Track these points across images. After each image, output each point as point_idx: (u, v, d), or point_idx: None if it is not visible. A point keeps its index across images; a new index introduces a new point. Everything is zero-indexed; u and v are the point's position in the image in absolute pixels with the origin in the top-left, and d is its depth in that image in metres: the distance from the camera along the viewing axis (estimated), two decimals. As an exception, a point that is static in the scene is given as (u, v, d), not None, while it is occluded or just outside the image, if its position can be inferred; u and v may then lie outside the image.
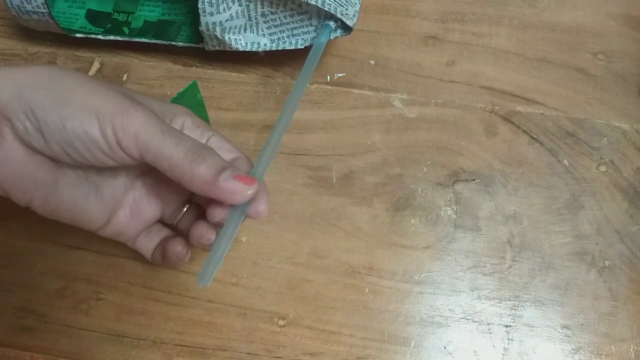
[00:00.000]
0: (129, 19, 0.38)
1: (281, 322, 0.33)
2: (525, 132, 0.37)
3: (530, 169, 0.36)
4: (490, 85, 0.38)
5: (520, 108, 0.37)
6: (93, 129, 0.23)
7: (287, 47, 0.35)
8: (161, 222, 0.31)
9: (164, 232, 0.30)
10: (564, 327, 0.33)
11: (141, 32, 0.37)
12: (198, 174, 0.24)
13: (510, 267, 0.34)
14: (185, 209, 0.30)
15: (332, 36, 0.34)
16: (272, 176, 0.36)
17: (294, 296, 0.34)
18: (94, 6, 0.38)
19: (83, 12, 0.38)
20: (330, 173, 0.36)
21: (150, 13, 0.38)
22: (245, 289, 0.34)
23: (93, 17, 0.38)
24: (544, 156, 0.36)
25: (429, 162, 0.36)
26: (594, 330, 0.33)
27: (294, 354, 0.33)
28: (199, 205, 0.30)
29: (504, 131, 0.37)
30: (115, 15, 0.38)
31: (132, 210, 0.28)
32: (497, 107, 0.37)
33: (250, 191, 0.25)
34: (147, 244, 0.30)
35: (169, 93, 0.37)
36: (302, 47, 0.35)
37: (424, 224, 0.35)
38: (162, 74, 0.38)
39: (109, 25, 0.38)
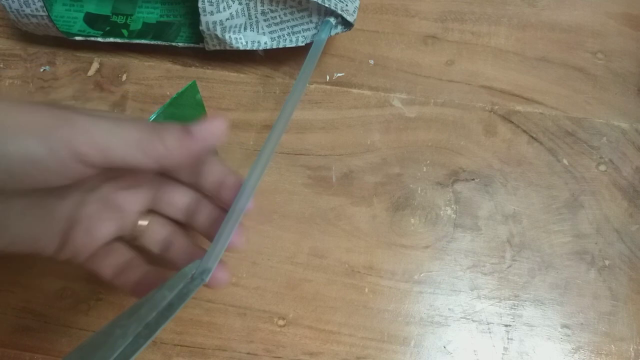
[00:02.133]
0: (128, 21, 0.38)
1: (281, 322, 0.33)
2: (524, 131, 0.37)
3: (529, 168, 0.36)
4: (489, 85, 0.38)
5: (519, 107, 0.37)
6: (38, 148, 0.21)
7: (288, 44, 0.35)
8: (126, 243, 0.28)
9: (129, 254, 0.27)
10: (564, 326, 0.33)
11: (140, 34, 0.37)
12: (172, 138, 0.22)
13: (510, 266, 0.34)
14: (146, 224, 0.27)
15: (333, 32, 0.34)
16: (272, 176, 0.36)
17: (294, 296, 0.34)
18: (92, 9, 0.38)
19: (81, 15, 0.38)
20: (329, 173, 0.36)
21: (149, 15, 0.38)
22: (245, 288, 0.34)
23: (91, 20, 0.38)
24: (543, 155, 0.36)
25: (428, 161, 0.36)
26: (593, 330, 0.33)
27: (293, 354, 0.33)
28: (164, 217, 0.28)
29: (503, 131, 0.37)
30: (114, 18, 0.38)
31: (87, 227, 0.26)
32: (497, 107, 0.37)
33: (222, 124, 0.23)
34: (106, 266, 0.26)
35: (168, 93, 0.37)
36: (303, 44, 0.35)
37: (423, 223, 0.35)
38: (161, 74, 0.38)
39: (107, 28, 0.38)
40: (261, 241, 0.35)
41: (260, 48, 0.35)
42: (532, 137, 0.37)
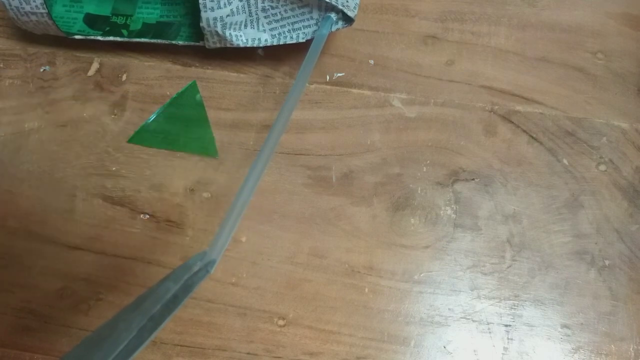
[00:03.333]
0: (128, 22, 0.38)
1: (281, 322, 0.33)
2: (524, 131, 0.37)
3: (529, 168, 0.36)
4: (489, 85, 0.38)
5: (519, 107, 0.37)
6: None
7: (288, 41, 0.35)
8: None
9: None
10: (564, 326, 0.33)
11: (140, 34, 0.37)
12: None
13: (510, 266, 0.34)
14: None
15: (334, 28, 0.34)
16: (272, 176, 0.36)
17: (294, 296, 0.34)
18: (92, 10, 0.38)
19: (81, 16, 0.38)
20: (329, 173, 0.36)
21: (149, 15, 0.38)
22: (245, 288, 0.34)
23: (91, 20, 0.38)
24: (543, 155, 0.36)
25: (428, 161, 0.36)
26: (593, 330, 0.33)
27: (293, 354, 0.33)
28: None
29: (503, 130, 0.37)
30: (114, 19, 0.38)
31: None
32: (497, 107, 0.37)
33: None
34: None
35: (168, 93, 0.37)
36: (304, 40, 0.35)
37: (423, 223, 0.35)
38: (161, 74, 0.38)
39: (107, 28, 0.38)
40: (261, 241, 0.35)
41: (261, 45, 0.35)
42: (532, 137, 0.37)
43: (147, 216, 0.35)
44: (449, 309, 0.33)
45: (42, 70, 0.38)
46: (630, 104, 0.38)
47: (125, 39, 0.37)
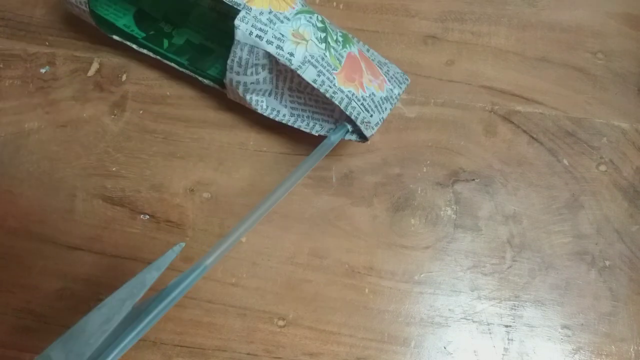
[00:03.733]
0: (173, 33, 0.37)
1: (281, 323, 0.33)
2: (524, 131, 0.37)
3: (530, 168, 0.36)
4: (489, 85, 0.38)
5: (519, 107, 0.37)
6: None
7: (304, 128, 0.34)
8: None
9: None
10: (564, 327, 0.33)
11: (179, 50, 0.37)
12: None
13: (510, 267, 0.34)
14: None
15: (347, 138, 0.33)
16: (272, 176, 0.36)
17: (294, 296, 0.34)
18: (146, 7, 0.38)
19: (133, 9, 0.38)
20: (329, 173, 0.36)
21: (195, 34, 0.38)
22: (245, 289, 0.34)
23: (141, 17, 0.37)
24: (543, 156, 0.36)
25: (428, 161, 0.36)
26: (594, 330, 0.33)
27: (293, 354, 0.33)
28: None
29: (503, 131, 0.37)
30: (162, 24, 0.38)
31: None
32: (497, 107, 0.37)
33: None
34: None
35: (168, 93, 0.37)
36: (317, 134, 0.34)
37: (423, 224, 0.35)
38: (161, 74, 0.38)
39: (151, 32, 0.37)
40: (261, 241, 0.35)
41: (278, 119, 0.34)
42: (533, 137, 0.37)
43: (147, 216, 0.35)
44: (449, 309, 0.33)
45: (42, 70, 0.38)
46: (631, 104, 0.38)
47: (158, 57, 0.36)
